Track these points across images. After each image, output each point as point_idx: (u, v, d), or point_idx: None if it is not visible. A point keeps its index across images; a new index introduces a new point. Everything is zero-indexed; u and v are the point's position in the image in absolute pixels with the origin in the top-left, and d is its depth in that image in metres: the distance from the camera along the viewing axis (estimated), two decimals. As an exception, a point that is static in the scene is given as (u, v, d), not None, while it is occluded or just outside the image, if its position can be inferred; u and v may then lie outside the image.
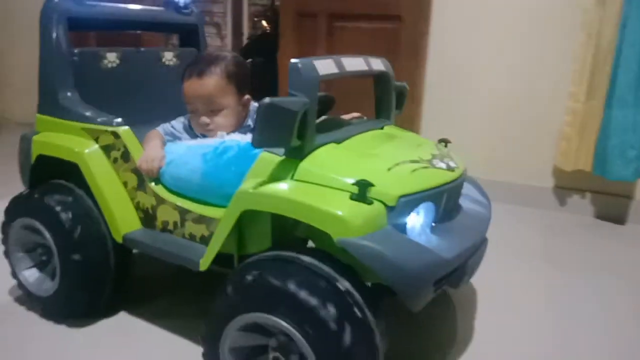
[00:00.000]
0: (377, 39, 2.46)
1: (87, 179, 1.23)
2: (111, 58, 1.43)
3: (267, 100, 0.92)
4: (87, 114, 1.26)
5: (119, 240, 1.23)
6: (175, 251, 1.15)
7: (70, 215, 1.23)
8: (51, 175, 1.34)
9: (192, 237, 1.17)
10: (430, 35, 2.48)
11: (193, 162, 1.16)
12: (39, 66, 1.31)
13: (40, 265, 1.34)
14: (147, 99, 1.52)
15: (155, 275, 1.57)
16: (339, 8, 2.53)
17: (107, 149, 1.24)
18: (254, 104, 1.35)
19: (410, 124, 2.45)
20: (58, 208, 1.23)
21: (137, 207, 1.24)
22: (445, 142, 1.33)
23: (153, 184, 1.21)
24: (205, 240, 1.15)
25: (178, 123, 1.33)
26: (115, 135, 1.22)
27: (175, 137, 1.30)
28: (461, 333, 1.36)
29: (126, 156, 1.22)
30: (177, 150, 1.21)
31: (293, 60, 1.01)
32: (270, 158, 1.03)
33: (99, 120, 1.24)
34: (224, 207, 1.13)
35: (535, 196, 2.41)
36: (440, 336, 1.35)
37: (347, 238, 0.90)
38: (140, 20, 1.53)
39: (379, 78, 1.32)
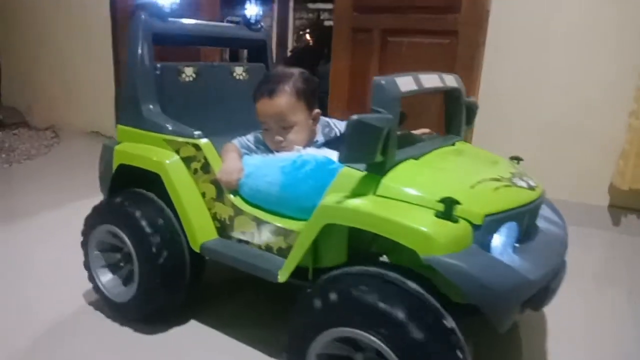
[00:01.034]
0: (432, 53, 2.48)
1: (168, 188, 1.28)
2: (188, 72, 1.48)
3: (355, 117, 0.93)
4: (170, 126, 1.31)
5: (196, 249, 1.27)
6: (253, 262, 1.18)
7: (150, 223, 1.27)
8: (129, 184, 1.40)
9: (268, 249, 1.20)
10: (486, 50, 2.46)
11: (271, 175, 1.19)
12: (125, 79, 1.37)
13: (119, 272, 1.39)
14: (219, 112, 1.57)
15: (218, 283, 1.61)
16: (395, 24, 2.56)
17: (187, 161, 1.28)
18: (323, 120, 1.37)
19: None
20: (139, 216, 1.28)
21: (214, 217, 1.28)
22: (517, 159, 1.31)
23: (231, 195, 1.24)
24: (282, 252, 1.17)
25: (253, 137, 1.36)
26: (197, 147, 1.26)
27: (251, 151, 1.34)
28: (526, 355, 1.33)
29: (206, 168, 1.26)
30: (255, 163, 1.24)
31: (376, 78, 1.03)
32: (351, 173, 1.04)
33: (181, 132, 1.29)
34: (301, 219, 1.16)
35: (589, 215, 2.33)
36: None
37: (434, 256, 0.90)
38: (215, 36, 1.58)
39: (450, 94, 1.33)
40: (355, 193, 1.02)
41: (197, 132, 1.28)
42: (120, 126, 1.41)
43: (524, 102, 2.42)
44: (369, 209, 0.97)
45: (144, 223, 1.27)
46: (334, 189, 1.06)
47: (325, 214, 1.02)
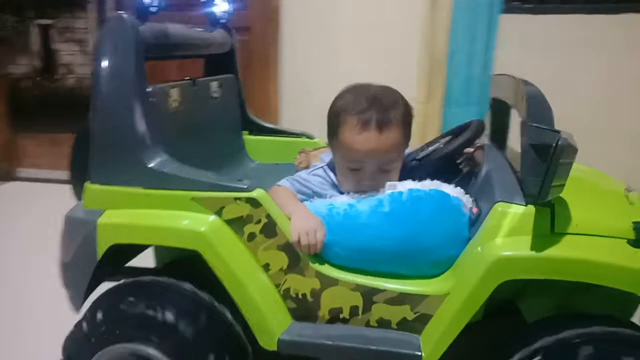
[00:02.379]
0: None
1: (215, 268, 0.87)
2: (174, 96, 1.05)
3: (565, 140, 0.72)
4: (202, 178, 0.89)
5: (271, 346, 0.89)
6: (373, 347, 0.86)
7: (198, 326, 0.86)
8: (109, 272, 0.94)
9: (382, 324, 0.89)
10: (281, 45, 2.45)
11: (376, 225, 0.89)
12: (96, 111, 0.90)
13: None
14: (209, 143, 1.19)
15: None
16: (179, 20, 2.46)
17: (236, 224, 0.89)
18: None
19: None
20: (178, 319, 0.85)
21: (287, 295, 0.91)
22: None
23: (315, 262, 0.90)
24: (408, 325, 0.88)
25: (313, 177, 1.01)
26: (254, 203, 0.88)
27: (314, 195, 0.99)
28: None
29: (270, 230, 0.89)
30: (339, 212, 0.91)
31: (529, 86, 0.83)
32: (514, 210, 0.82)
33: (223, 185, 0.88)
34: (427, 277, 0.89)
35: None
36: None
37: (663, 297, 0.75)
38: (201, 43, 1.17)
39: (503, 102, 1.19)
40: (529, 234, 0.80)
41: (246, 182, 0.89)
42: (93, 186, 0.92)
43: (324, 94, 2.39)
44: (572, 255, 0.77)
45: (185, 328, 0.85)
46: (493, 232, 0.82)
47: (508, 269, 0.79)
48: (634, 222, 0.81)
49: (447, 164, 1.06)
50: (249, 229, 0.89)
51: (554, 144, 0.72)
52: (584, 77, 2.21)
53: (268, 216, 0.88)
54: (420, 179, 0.96)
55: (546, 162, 0.73)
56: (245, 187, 0.88)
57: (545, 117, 0.81)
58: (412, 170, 1.04)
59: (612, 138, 2.20)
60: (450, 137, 1.13)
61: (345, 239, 0.90)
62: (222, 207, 0.88)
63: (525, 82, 0.85)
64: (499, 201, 0.83)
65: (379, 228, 0.89)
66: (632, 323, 0.83)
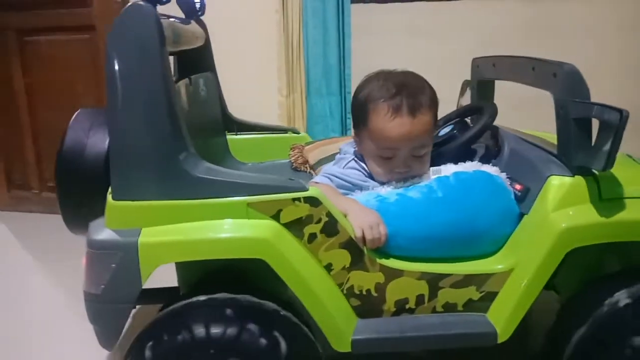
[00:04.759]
0: (74, 50, 2.23)
1: (284, 276, 0.81)
2: (182, 95, 0.95)
3: (625, 112, 0.77)
4: (255, 181, 0.81)
5: (345, 348, 0.85)
6: (450, 331, 0.87)
7: (274, 339, 0.79)
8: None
9: (448, 308, 0.90)
10: None
11: (433, 211, 0.88)
12: (118, 120, 0.78)
13: None
14: (201, 145, 1.09)
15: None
16: (29, 22, 2.23)
17: (296, 225, 0.83)
18: None
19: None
20: (258, 336, 0.79)
21: (350, 293, 0.88)
22: None
23: (381, 256, 0.87)
24: (473, 306, 0.89)
25: (349, 170, 0.98)
26: (313, 202, 0.82)
27: (354, 188, 0.95)
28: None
29: (331, 228, 0.84)
30: (389, 203, 0.89)
31: (568, 66, 0.87)
32: (566, 181, 0.86)
33: (281, 187, 0.82)
34: (486, 256, 0.91)
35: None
36: None
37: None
38: (191, 38, 1.06)
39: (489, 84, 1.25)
40: (584, 203, 0.85)
41: (300, 181, 0.84)
42: (120, 204, 0.80)
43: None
44: (626, 217, 0.83)
45: (265, 342, 0.79)
46: (552, 205, 0.85)
47: (574, 237, 0.83)
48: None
49: (465, 148, 1.09)
50: (309, 229, 0.83)
51: (619, 117, 0.76)
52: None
53: (328, 214, 0.83)
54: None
55: (612, 135, 0.77)
56: (303, 186, 0.82)
57: (585, 93, 0.86)
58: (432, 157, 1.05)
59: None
60: (458, 119, 1.16)
61: (405, 229, 0.88)
62: (280, 210, 0.82)
63: (559, 62, 0.89)
64: (549, 175, 0.87)
65: (436, 214, 0.88)
66: None
